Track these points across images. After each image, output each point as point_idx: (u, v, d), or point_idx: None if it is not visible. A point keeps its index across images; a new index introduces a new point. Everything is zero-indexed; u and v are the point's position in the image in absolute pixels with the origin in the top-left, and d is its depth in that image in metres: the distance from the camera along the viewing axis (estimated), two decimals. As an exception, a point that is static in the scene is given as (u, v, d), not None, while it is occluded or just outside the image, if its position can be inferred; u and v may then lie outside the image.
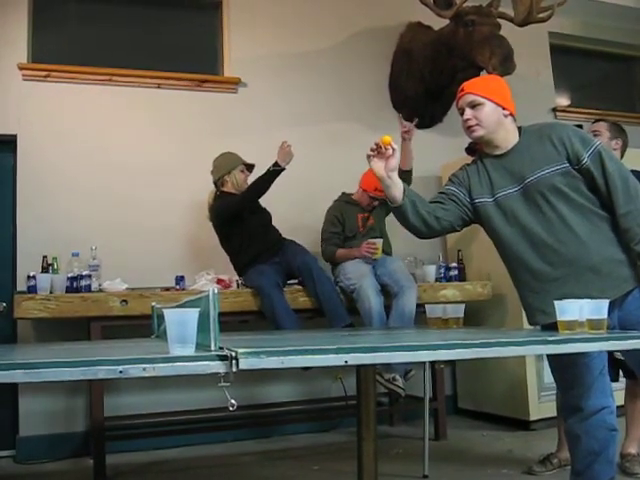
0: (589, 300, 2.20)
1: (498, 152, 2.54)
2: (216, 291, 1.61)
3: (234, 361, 1.49)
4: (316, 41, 5.16)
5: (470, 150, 4.71)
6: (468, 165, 2.68)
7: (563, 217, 2.41)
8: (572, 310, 2.15)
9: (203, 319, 1.61)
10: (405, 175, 4.17)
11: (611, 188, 2.37)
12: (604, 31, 6.42)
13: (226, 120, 4.82)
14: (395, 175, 2.42)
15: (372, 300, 3.87)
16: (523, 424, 4.42)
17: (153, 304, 3.05)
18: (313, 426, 4.58)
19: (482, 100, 2.48)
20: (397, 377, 3.70)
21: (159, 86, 4.72)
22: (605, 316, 2.15)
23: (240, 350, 1.51)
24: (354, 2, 5.33)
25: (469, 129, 2.51)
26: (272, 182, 3.95)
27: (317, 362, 1.62)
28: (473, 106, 2.49)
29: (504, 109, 2.50)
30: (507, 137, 2.51)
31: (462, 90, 2.54)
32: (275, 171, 3.93)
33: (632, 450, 3.39)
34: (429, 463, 3.47)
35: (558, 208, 2.41)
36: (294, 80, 5.05)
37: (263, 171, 3.99)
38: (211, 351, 1.54)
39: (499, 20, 4.59)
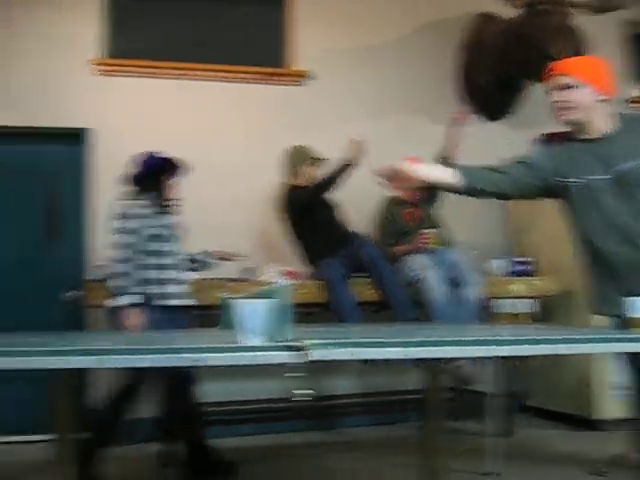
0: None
1: (588, 137, 2.42)
2: (289, 282, 1.64)
3: (305, 352, 1.52)
4: (381, 34, 5.16)
5: (544, 142, 4.63)
6: (557, 144, 2.57)
7: None
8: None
9: (274, 310, 1.64)
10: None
11: None
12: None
13: (293, 113, 4.86)
14: (430, 171, 2.41)
15: (437, 290, 3.86)
16: (591, 423, 4.32)
17: (223, 294, 3.09)
18: (380, 418, 4.58)
19: (574, 82, 2.37)
20: (463, 366, 3.67)
21: (228, 80, 4.79)
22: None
23: (311, 341, 1.53)
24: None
25: (559, 112, 2.41)
26: (342, 176, 3.98)
27: (393, 355, 1.62)
28: (564, 88, 2.39)
29: (599, 93, 2.39)
30: (599, 123, 2.40)
31: (552, 70, 2.43)
32: (343, 166, 3.96)
33: None
34: (496, 460, 3.43)
35: None
36: (360, 73, 5.06)
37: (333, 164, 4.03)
38: (283, 342, 1.57)
39: (575, 8, 4.47)
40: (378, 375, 4.59)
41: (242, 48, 4.95)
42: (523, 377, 4.97)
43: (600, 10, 4.40)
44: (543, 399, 4.79)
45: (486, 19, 5.13)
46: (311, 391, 1.55)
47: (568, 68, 2.41)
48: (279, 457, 3.92)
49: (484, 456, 3.46)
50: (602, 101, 2.39)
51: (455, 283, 3.99)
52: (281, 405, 4.10)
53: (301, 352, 1.53)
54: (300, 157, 4.20)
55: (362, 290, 3.99)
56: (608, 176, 2.36)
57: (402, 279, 4.04)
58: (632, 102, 5.86)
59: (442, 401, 2.49)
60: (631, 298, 2.20)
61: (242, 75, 4.83)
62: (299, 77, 4.94)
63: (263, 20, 5.08)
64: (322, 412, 4.36)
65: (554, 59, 4.35)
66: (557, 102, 2.39)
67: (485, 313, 3.76)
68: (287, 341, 1.57)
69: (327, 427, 4.48)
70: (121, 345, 1.57)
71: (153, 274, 3.28)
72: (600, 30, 5.07)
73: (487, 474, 3.39)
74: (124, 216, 3.27)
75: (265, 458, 3.93)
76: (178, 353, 1.48)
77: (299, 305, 3.78)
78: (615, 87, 2.43)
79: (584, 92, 2.36)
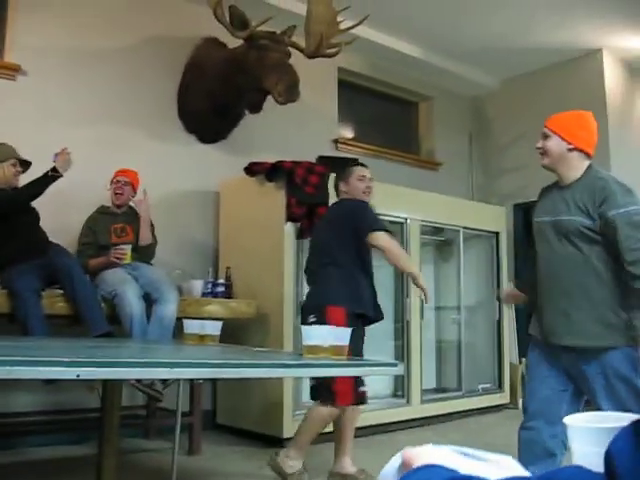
0: (334, 327, 2.34)
1: (561, 183, 2.76)
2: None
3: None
4: (104, 39, 4.97)
5: (248, 170, 4.84)
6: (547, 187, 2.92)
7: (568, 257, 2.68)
8: (316, 336, 2.28)
9: None
10: (143, 250, 4.24)
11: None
12: (389, 74, 6.91)
13: (1, 108, 4.50)
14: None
15: (133, 305, 3.81)
16: (277, 441, 4.54)
17: None
18: (63, 438, 4.35)
19: (549, 133, 2.72)
20: (156, 382, 3.65)
21: None
22: (346, 343, 2.30)
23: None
24: (153, 7, 5.24)
25: (539, 157, 2.77)
26: (48, 187, 3.80)
27: (47, 374, 1.57)
28: (545, 137, 2.74)
29: (569, 143, 2.69)
30: (568, 171, 2.71)
31: (544, 122, 2.77)
32: (53, 177, 3.80)
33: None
34: (177, 478, 3.45)
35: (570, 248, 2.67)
36: (79, 77, 4.82)
37: (37, 168, 3.81)
38: None
39: (291, 49, 4.76)
40: (62, 392, 4.37)
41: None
42: (216, 395, 5.11)
43: (312, 55, 4.71)
44: (238, 418, 4.91)
45: (212, 44, 5.24)
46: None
47: (549, 120, 2.77)
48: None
49: (169, 474, 3.46)
50: (571, 150, 2.69)
51: (151, 299, 3.97)
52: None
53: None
54: (5, 155, 3.89)
55: (53, 302, 3.78)
56: (550, 220, 2.72)
57: (97, 293, 3.93)
58: (340, 143, 6.37)
59: (117, 421, 2.44)
60: (305, 327, 2.37)
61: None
62: (11, 70, 4.58)
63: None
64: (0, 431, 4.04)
65: (267, 92, 4.64)
66: (537, 149, 2.77)
67: (178, 332, 3.80)
68: None
69: (4, 447, 4.17)
70: None
71: None
72: (316, 72, 5.47)
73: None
74: None
75: None
76: None
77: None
78: (592, 141, 2.75)
79: (554, 142, 2.70)
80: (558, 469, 0.64)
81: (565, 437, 2.48)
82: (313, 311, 3.45)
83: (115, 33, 5.04)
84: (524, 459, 2.77)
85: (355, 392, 3.49)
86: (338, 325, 3.23)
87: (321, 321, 3.24)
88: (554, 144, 2.72)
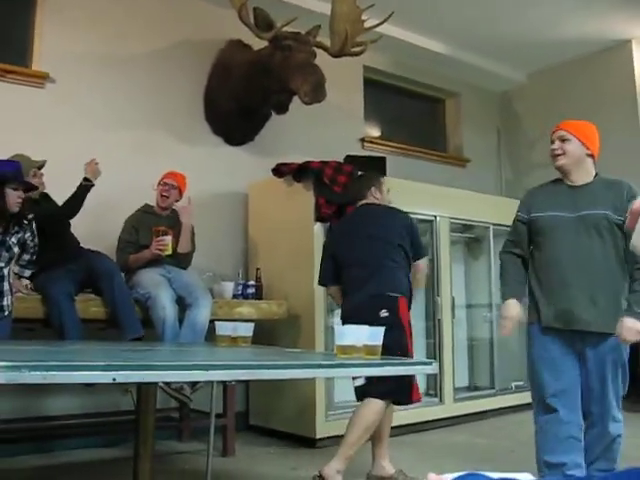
0: (367, 327, 2.32)
1: (571, 184, 2.97)
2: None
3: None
4: (134, 44, 5.03)
5: (276, 171, 4.84)
6: (538, 187, 3.14)
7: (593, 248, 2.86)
8: (350, 335, 2.26)
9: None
10: (181, 257, 4.23)
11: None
12: (415, 71, 6.87)
13: (31, 116, 4.55)
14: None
15: (167, 309, 3.83)
16: (310, 442, 4.54)
17: None
18: (99, 441, 4.40)
19: (570, 136, 2.92)
20: (184, 386, 3.66)
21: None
22: (380, 343, 2.28)
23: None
24: (179, 10, 5.28)
25: (555, 157, 2.95)
26: (85, 198, 3.88)
27: (83, 379, 1.58)
28: (562, 140, 2.93)
29: (587, 149, 2.93)
30: (581, 174, 2.95)
31: (558, 126, 2.98)
32: (86, 187, 3.87)
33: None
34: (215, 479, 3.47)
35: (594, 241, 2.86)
36: (107, 82, 4.87)
37: (67, 174, 3.86)
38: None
39: (316, 49, 4.75)
40: (105, 394, 4.42)
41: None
42: (249, 397, 5.12)
43: (338, 54, 4.70)
44: (270, 419, 4.92)
45: (238, 46, 5.27)
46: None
47: (567, 125, 2.97)
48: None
49: (204, 476, 3.48)
50: (588, 156, 2.94)
51: (185, 304, 3.99)
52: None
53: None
54: (26, 169, 3.91)
55: (87, 306, 3.82)
56: (573, 215, 2.88)
57: (131, 295, 3.96)
58: (366, 142, 6.35)
59: (152, 423, 2.46)
60: (339, 327, 2.36)
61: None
62: (39, 78, 4.63)
63: (7, 15, 4.73)
64: (37, 434, 4.08)
65: (293, 93, 4.64)
66: (554, 150, 2.95)
67: (210, 334, 3.81)
68: None
69: (44, 450, 4.21)
70: None
71: None
72: (342, 72, 5.46)
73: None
74: None
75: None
76: None
77: (19, 320, 3.61)
78: (598, 151, 2.99)
79: (575, 144, 2.91)
80: (626, 470, 0.62)
81: (582, 422, 2.59)
82: (383, 304, 3.44)
83: (142, 38, 5.09)
84: (548, 447, 2.94)
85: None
86: (404, 315, 3.47)
87: (393, 312, 3.39)
88: (575, 147, 2.93)
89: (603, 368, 2.86)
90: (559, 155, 2.95)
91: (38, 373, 1.51)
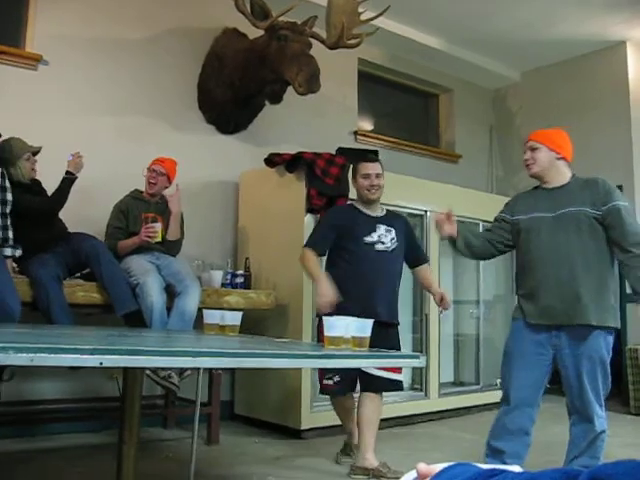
0: (355, 319, 2.33)
1: (548, 187, 3.12)
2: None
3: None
4: (127, 30, 4.98)
5: (268, 161, 4.83)
6: (522, 193, 3.34)
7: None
8: (339, 327, 2.27)
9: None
10: (170, 244, 4.22)
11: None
12: (409, 66, 6.87)
13: (23, 98, 4.51)
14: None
15: (154, 297, 3.81)
16: (295, 433, 4.55)
17: None
18: (83, 426, 4.39)
19: (539, 145, 3.09)
20: (172, 374, 3.65)
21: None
22: (368, 335, 2.29)
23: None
24: (173, -3, 5.24)
25: (527, 166, 3.14)
26: (69, 191, 3.90)
27: (70, 362, 1.57)
28: (532, 149, 3.10)
29: (558, 153, 3.09)
30: (557, 176, 3.10)
31: (528, 137, 3.17)
32: (70, 180, 3.89)
33: None
34: (196, 468, 3.46)
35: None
36: (99, 66, 4.82)
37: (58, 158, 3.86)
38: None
39: (312, 40, 4.73)
40: (91, 379, 4.40)
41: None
42: (234, 386, 5.12)
43: (334, 46, 4.69)
44: (256, 408, 4.92)
45: (233, 35, 5.23)
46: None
47: (535, 135, 3.15)
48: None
49: (187, 464, 3.47)
50: (559, 159, 3.09)
51: (174, 291, 3.98)
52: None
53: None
54: (17, 152, 3.90)
55: (73, 291, 3.80)
56: (551, 215, 3.03)
57: (121, 271, 3.95)
58: (359, 135, 6.35)
59: (138, 410, 2.45)
60: (327, 317, 2.36)
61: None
62: (32, 60, 4.59)
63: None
64: (20, 418, 4.07)
65: (287, 83, 4.62)
66: (526, 160, 3.13)
67: (198, 322, 3.80)
68: None
69: (27, 434, 4.20)
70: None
71: None
72: (337, 63, 5.45)
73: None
74: None
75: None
76: None
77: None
78: (571, 153, 3.15)
79: (543, 152, 3.08)
80: (614, 463, 0.63)
81: (535, 418, 2.81)
82: None
83: (137, 24, 5.05)
84: (496, 432, 3.14)
85: None
86: None
87: None
88: (544, 154, 3.09)
89: (579, 364, 2.95)
90: (531, 164, 3.12)
91: (25, 355, 1.50)
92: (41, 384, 4.34)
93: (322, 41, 4.73)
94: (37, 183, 4.03)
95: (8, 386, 3.91)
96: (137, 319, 3.79)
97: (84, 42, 4.79)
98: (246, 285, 4.72)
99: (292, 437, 4.52)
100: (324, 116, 5.88)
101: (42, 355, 1.53)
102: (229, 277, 4.66)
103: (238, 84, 4.92)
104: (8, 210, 3.63)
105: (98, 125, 4.67)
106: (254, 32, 4.85)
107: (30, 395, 4.29)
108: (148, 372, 3.39)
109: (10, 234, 3.63)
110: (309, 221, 4.60)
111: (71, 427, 4.33)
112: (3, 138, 3.83)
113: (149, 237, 4.05)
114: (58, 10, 4.71)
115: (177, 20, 5.23)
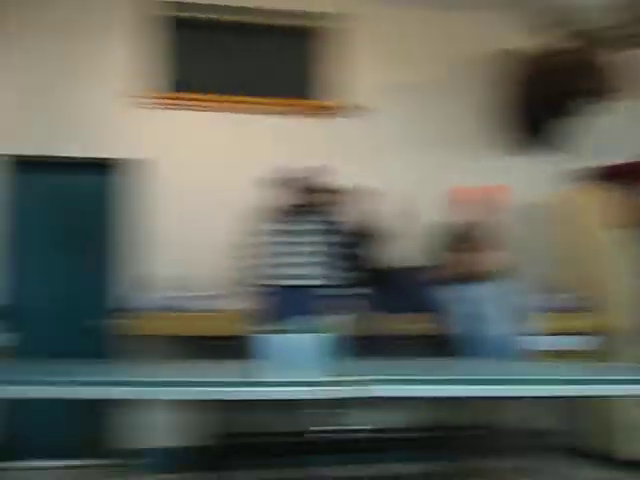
0: None
1: None
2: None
3: (367, 387, 1.47)
4: (421, 70, 5.18)
5: (601, 176, 4.58)
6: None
7: None
8: None
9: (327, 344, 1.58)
10: None
11: None
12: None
13: (340, 145, 4.88)
14: None
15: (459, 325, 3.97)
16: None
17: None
18: (421, 455, 4.33)
19: None
20: None
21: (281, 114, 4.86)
22: None
23: (375, 377, 1.49)
24: (462, 31, 5.26)
25: None
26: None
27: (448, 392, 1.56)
28: None
29: None
30: None
31: None
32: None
33: None
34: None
35: None
36: (404, 107, 5.08)
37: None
38: (342, 376, 1.53)
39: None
40: (423, 410, 4.47)
41: (289, 82, 5.04)
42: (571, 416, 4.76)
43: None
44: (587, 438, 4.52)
45: (546, 52, 4.96)
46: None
47: None
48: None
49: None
50: None
51: (481, 319, 3.93)
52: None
53: (363, 387, 1.49)
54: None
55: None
56: None
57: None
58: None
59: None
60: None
61: (293, 108, 4.92)
62: (346, 111, 4.97)
63: (312, 55, 5.12)
64: (368, 446, 4.28)
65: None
66: None
67: (523, 350, 3.71)
68: (345, 376, 1.53)
69: (367, 461, 4.37)
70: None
71: None
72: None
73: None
74: None
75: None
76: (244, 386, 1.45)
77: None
78: None
79: None
80: None
81: None
82: None
83: (428, 62, 5.21)
84: None
85: None
86: None
87: None
88: None
89: None
90: None
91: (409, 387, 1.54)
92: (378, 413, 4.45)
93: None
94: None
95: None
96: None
97: (391, 88, 5.06)
98: (586, 308, 4.49)
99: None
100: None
101: (422, 387, 1.56)
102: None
103: (562, 100, 4.85)
104: None
105: (412, 161, 4.96)
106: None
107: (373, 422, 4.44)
108: None
109: None
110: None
111: (410, 456, 4.37)
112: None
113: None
114: (365, 62, 5.06)
115: (462, 52, 5.26)
